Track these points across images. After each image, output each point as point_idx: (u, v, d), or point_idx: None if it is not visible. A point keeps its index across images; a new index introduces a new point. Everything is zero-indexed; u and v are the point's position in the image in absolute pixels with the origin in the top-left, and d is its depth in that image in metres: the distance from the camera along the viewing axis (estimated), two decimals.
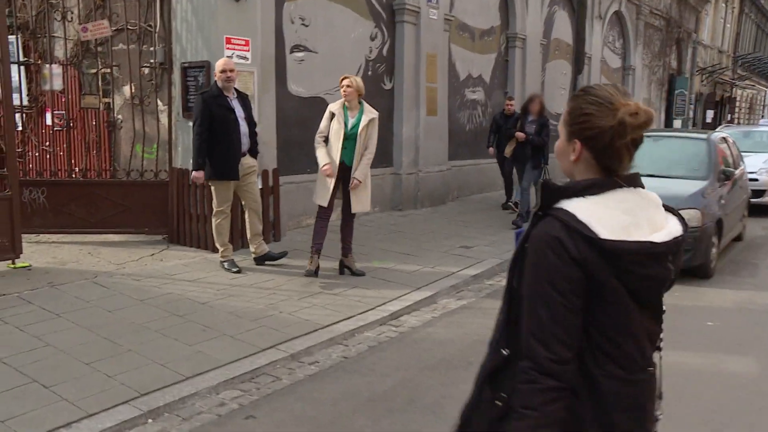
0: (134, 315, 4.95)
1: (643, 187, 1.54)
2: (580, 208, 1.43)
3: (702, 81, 26.34)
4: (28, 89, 8.14)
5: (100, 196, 7.25)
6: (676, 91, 23.09)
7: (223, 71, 5.98)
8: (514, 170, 9.65)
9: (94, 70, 7.58)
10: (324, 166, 5.92)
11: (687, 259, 6.52)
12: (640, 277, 1.44)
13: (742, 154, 9.34)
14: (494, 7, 12.29)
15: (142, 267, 6.28)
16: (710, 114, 27.93)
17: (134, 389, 3.75)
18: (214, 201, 6.25)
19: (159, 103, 7.32)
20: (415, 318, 5.40)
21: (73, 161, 7.78)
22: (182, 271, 6.20)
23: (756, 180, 11.00)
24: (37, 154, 8.51)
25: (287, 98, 7.83)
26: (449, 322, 5.33)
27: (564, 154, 1.56)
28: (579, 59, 14.20)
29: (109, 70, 7.68)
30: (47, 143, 8.05)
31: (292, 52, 7.93)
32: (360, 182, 5.94)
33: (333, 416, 3.68)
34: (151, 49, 7.29)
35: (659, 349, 1.63)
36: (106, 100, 7.81)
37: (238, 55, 6.91)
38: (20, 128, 7.69)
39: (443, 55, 10.50)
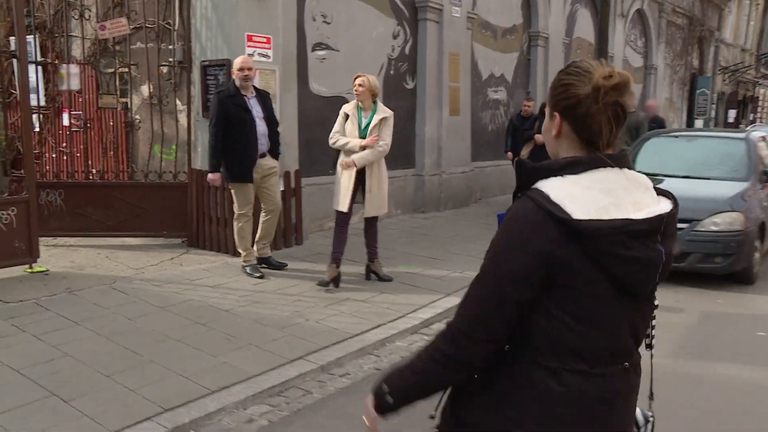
0: (155, 323, 4.74)
1: (630, 168, 1.42)
2: (554, 187, 1.34)
3: (724, 80, 25.87)
4: (45, 89, 7.99)
5: (117, 198, 7.06)
6: (698, 91, 22.68)
7: (240, 69, 5.77)
8: None
9: (111, 70, 7.40)
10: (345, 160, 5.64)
11: (728, 264, 6.25)
12: (625, 259, 1.31)
13: None
14: (516, 5, 12.03)
15: (162, 272, 6.08)
16: (732, 113, 27.44)
17: (157, 404, 3.54)
18: (235, 204, 6.04)
19: (178, 102, 7.13)
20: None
21: (90, 162, 7.61)
22: (203, 276, 5.99)
23: None
24: (54, 155, 8.35)
25: (309, 97, 7.61)
26: None
27: (548, 131, 1.49)
28: (602, 58, 13.95)
29: (126, 70, 7.51)
30: (64, 144, 7.89)
31: (313, 50, 7.71)
32: (353, 162, 5.54)
33: None
34: (170, 47, 7.10)
35: (651, 347, 1.55)
36: (124, 99, 7.64)
37: (259, 53, 6.70)
38: (37, 129, 7.52)
39: (466, 54, 10.25)
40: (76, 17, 6.97)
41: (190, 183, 6.97)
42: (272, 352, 4.31)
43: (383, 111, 5.64)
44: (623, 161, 1.41)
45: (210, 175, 5.93)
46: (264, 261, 6.27)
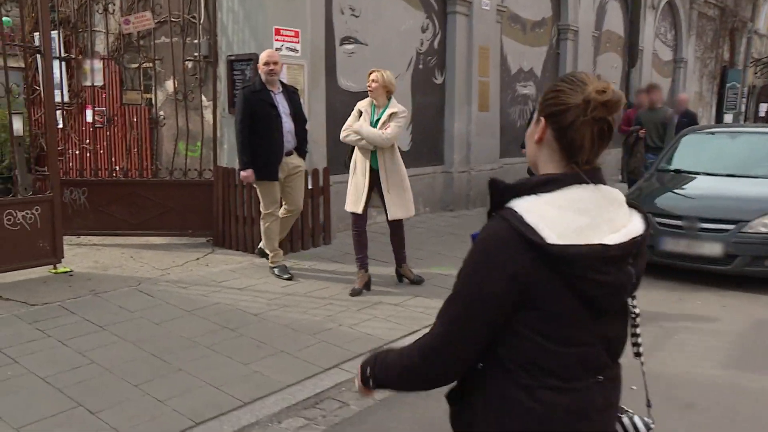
0: (182, 328, 4.56)
1: (604, 183, 1.39)
2: (529, 209, 1.31)
3: (756, 73, 25.21)
4: (69, 85, 7.86)
5: (141, 196, 6.92)
6: (728, 84, 22.09)
7: (266, 63, 5.57)
8: None
9: (135, 65, 7.24)
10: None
11: None
12: (597, 284, 1.31)
13: None
14: None
15: (188, 273, 5.91)
16: (764, 107, 26.75)
17: (188, 417, 3.35)
18: (261, 203, 5.85)
19: (203, 98, 6.95)
20: None
21: (113, 160, 7.48)
22: (230, 277, 5.81)
23: None
24: (77, 152, 8.22)
25: (337, 93, 7.40)
26: None
27: (530, 136, 1.45)
28: (633, 52, 13.61)
29: (150, 65, 7.35)
30: (87, 141, 7.76)
31: (341, 44, 7.49)
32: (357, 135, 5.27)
33: None
34: (195, 41, 6.92)
35: (639, 355, 1.56)
36: (148, 95, 7.48)
37: (287, 47, 6.50)
38: (60, 126, 7.40)
39: (495, 48, 9.97)
40: (100, 11, 6.81)
41: (216, 181, 6.79)
42: (305, 360, 4.11)
43: (394, 106, 5.34)
44: (598, 176, 1.38)
45: (242, 173, 5.73)
46: (265, 255, 6.11)
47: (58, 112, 7.04)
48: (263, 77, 5.62)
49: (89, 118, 8.04)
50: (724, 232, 5.97)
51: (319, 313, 4.95)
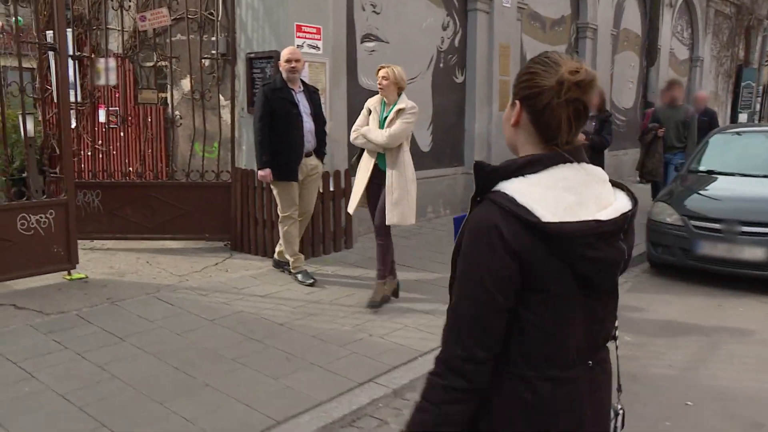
0: (206, 339, 4.33)
1: (587, 162, 1.39)
2: (519, 189, 1.30)
3: None
4: (81, 85, 7.65)
5: (157, 199, 6.69)
6: (743, 83, 21.77)
7: (287, 61, 5.35)
8: None
9: (150, 63, 7.02)
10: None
11: None
12: (591, 260, 1.31)
13: None
14: None
15: (207, 279, 5.69)
16: None
17: None
18: (279, 206, 5.64)
19: (221, 97, 6.72)
20: None
21: (127, 161, 7.27)
22: (251, 284, 5.58)
23: None
24: (89, 153, 8.00)
25: (358, 92, 7.16)
26: None
27: (506, 120, 1.44)
28: (651, 50, 13.34)
29: (165, 63, 7.13)
30: (100, 142, 7.55)
31: (362, 41, 7.26)
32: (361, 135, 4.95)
33: None
34: (213, 39, 6.70)
35: (615, 338, 1.53)
36: (163, 95, 7.27)
37: (309, 44, 6.27)
38: (73, 126, 7.19)
39: (515, 46, 9.73)
40: (116, 8, 6.58)
41: (234, 183, 6.57)
42: (338, 374, 3.88)
43: (403, 102, 4.95)
44: (580, 155, 1.38)
45: (260, 172, 5.52)
46: (279, 265, 5.88)
47: (71, 112, 6.82)
48: (285, 75, 5.41)
49: (102, 118, 7.84)
50: (766, 236, 5.71)
51: (347, 323, 4.71)
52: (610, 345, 1.52)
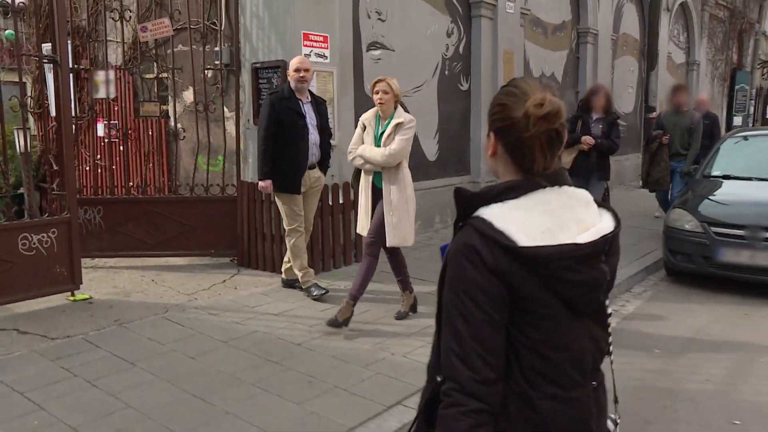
0: (221, 362, 4.13)
1: (569, 185, 1.41)
2: (497, 214, 1.32)
3: (763, 75, 24.96)
4: (78, 98, 7.46)
5: (160, 214, 6.49)
6: (737, 87, 21.82)
7: (297, 70, 5.20)
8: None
9: (151, 75, 6.84)
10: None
11: None
12: (572, 283, 1.32)
13: None
14: (566, 0, 11.37)
15: (216, 297, 5.49)
16: None
17: None
18: (284, 219, 5.48)
19: (225, 109, 6.54)
20: None
21: (127, 176, 7.07)
22: (263, 302, 5.39)
23: None
24: (87, 168, 7.80)
25: (365, 101, 6.97)
26: None
27: (485, 149, 1.47)
28: (651, 54, 13.21)
29: (166, 75, 6.95)
30: (99, 156, 7.34)
31: (368, 50, 7.10)
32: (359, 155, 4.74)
33: None
34: (216, 49, 6.52)
35: (609, 353, 1.54)
36: (164, 107, 7.08)
37: (316, 53, 6.11)
38: None
39: (519, 53, 9.61)
40: (116, 18, 6.39)
41: (240, 197, 6.38)
42: (363, 397, 3.69)
43: (400, 116, 4.68)
44: (561, 178, 1.39)
45: (261, 183, 5.37)
46: (289, 284, 5.69)
47: None
48: (293, 84, 5.25)
49: (101, 131, 7.64)
50: None
51: (367, 341, 4.53)
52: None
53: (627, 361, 4.39)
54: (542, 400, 1.34)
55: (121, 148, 7.38)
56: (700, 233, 5.96)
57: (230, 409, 3.50)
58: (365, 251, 4.88)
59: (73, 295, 5.36)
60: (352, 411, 3.52)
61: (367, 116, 4.85)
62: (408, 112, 4.80)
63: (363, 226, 4.89)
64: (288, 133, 5.23)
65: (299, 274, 5.54)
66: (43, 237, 5.14)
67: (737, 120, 21.91)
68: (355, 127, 6.52)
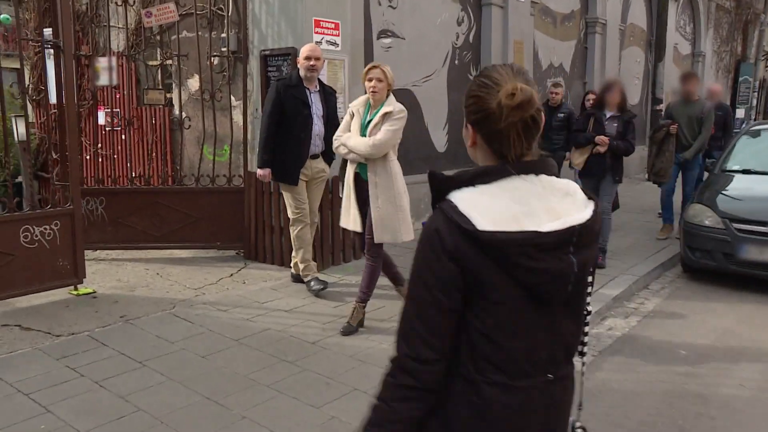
0: (234, 362, 3.97)
1: (551, 174, 1.39)
2: (464, 198, 1.33)
3: (766, 67, 24.78)
4: (79, 85, 7.23)
5: (164, 206, 6.31)
6: (741, 78, 21.66)
7: (307, 58, 5.02)
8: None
9: (155, 62, 6.63)
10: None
11: None
12: (533, 271, 1.30)
13: None
14: None
15: (224, 292, 5.31)
16: None
17: None
18: (288, 208, 5.33)
19: (232, 98, 6.34)
20: None
21: (129, 165, 6.87)
22: (272, 297, 5.22)
23: None
24: (87, 157, 7.58)
25: None
26: (618, 363, 4.27)
27: (465, 140, 1.48)
28: (659, 46, 13.07)
29: (171, 62, 6.75)
30: (99, 145, 7.13)
31: (379, 37, 6.90)
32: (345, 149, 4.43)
33: None
34: (222, 35, 6.31)
35: (582, 354, 1.57)
36: (169, 95, 6.87)
37: (327, 41, 5.91)
38: None
39: (528, 43, 9.42)
40: (119, 3, 6.18)
41: (247, 188, 6.19)
42: None
43: (390, 104, 4.34)
44: (540, 167, 1.39)
45: (259, 171, 5.25)
46: (299, 279, 5.53)
47: None
48: (302, 72, 5.07)
49: (101, 120, 7.43)
50: None
51: (384, 339, 4.36)
52: (576, 362, 1.50)
53: (653, 362, 4.25)
54: (487, 385, 1.35)
55: (123, 136, 7.19)
56: (720, 229, 5.80)
57: (246, 413, 3.34)
58: (365, 251, 4.61)
59: (76, 289, 5.18)
60: None
61: (357, 103, 4.54)
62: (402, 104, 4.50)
63: (345, 220, 4.61)
64: (291, 122, 5.08)
65: (300, 267, 5.39)
66: (45, 229, 4.96)
67: (739, 112, 21.74)
68: None
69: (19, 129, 7.85)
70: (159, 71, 6.73)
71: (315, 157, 5.30)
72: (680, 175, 7.80)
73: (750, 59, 22.36)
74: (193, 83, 6.67)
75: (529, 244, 1.29)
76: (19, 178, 8.17)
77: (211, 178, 6.31)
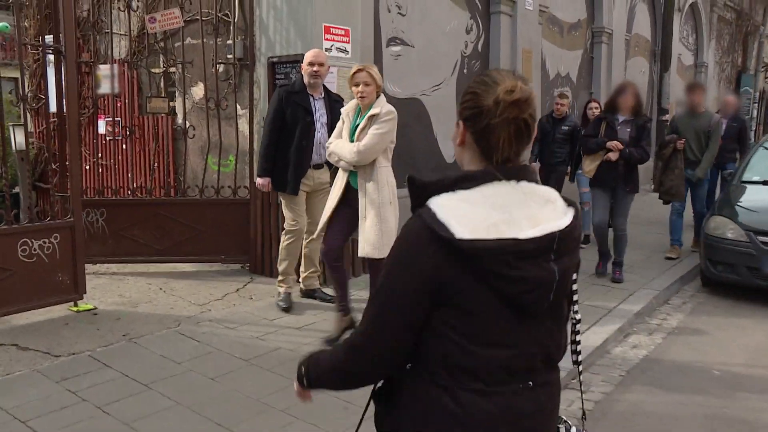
0: (245, 384, 3.75)
1: (532, 181, 1.37)
2: (443, 205, 1.30)
3: (766, 78, 24.78)
4: (79, 93, 7.02)
5: (167, 218, 6.09)
6: (741, 89, 21.62)
7: (310, 64, 4.84)
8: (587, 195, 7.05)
9: (157, 70, 6.43)
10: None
11: None
12: (512, 279, 1.28)
13: None
14: None
15: (231, 308, 5.09)
16: None
17: None
18: (285, 217, 5.16)
19: (237, 106, 6.15)
20: (599, 378, 4.14)
21: (129, 176, 6.66)
22: (282, 313, 5.00)
23: None
24: (87, 167, 7.36)
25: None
26: (649, 384, 4.06)
27: (454, 138, 1.46)
28: (665, 56, 12.91)
29: (174, 70, 6.56)
30: (99, 155, 6.92)
31: (388, 45, 6.73)
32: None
33: None
34: (228, 42, 6.12)
35: (578, 363, 1.58)
36: (172, 103, 6.67)
37: (337, 48, 5.73)
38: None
39: (537, 52, 9.27)
40: (122, 8, 5.99)
41: (253, 199, 5.98)
42: None
43: (377, 106, 4.06)
44: (521, 174, 1.36)
45: (259, 180, 5.11)
46: (309, 294, 5.31)
47: None
48: (306, 79, 4.91)
49: (102, 129, 7.23)
50: None
51: None
52: (562, 370, 1.51)
53: (686, 383, 4.04)
54: (464, 392, 1.33)
55: (124, 146, 6.98)
56: (744, 242, 5.62)
57: None
58: (331, 264, 4.38)
59: (76, 305, 4.95)
60: None
61: (347, 108, 4.30)
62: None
63: (318, 226, 4.42)
64: (292, 129, 4.91)
65: (279, 277, 5.23)
66: (44, 242, 4.74)
67: None
68: None
69: (17, 138, 7.66)
70: (162, 79, 6.53)
71: (318, 167, 5.11)
72: (688, 192, 7.23)
73: (750, 70, 22.35)
74: (198, 91, 6.47)
75: (509, 252, 1.27)
76: (16, 189, 7.96)
77: (216, 189, 6.10)
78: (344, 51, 5.81)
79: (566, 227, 1.35)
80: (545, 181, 7.59)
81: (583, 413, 1.65)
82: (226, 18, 6.13)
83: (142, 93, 7.03)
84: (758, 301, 5.68)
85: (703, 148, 7.10)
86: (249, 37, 5.97)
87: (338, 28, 5.74)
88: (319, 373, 1.53)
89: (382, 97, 4.18)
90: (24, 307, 4.64)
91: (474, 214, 1.29)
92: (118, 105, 7.06)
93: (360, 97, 4.07)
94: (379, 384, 1.51)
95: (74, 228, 4.89)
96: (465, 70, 8.03)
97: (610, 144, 5.82)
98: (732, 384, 4.03)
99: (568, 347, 1.53)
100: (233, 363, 4.04)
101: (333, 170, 5.06)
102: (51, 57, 5.07)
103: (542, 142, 7.57)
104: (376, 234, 4.09)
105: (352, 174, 4.21)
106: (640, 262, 6.86)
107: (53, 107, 5.45)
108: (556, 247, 1.33)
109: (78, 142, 5.13)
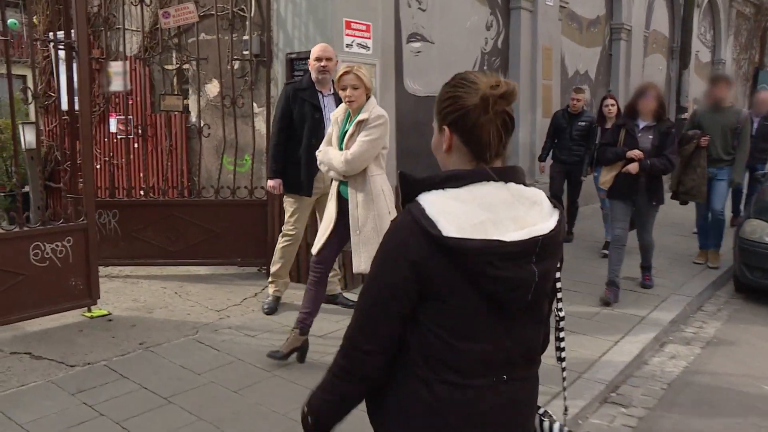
0: (270, 397, 3.56)
1: (521, 183, 1.41)
2: (433, 202, 1.34)
3: None
4: (89, 91, 6.85)
5: (182, 219, 5.91)
6: (758, 87, 21.30)
7: (317, 59, 4.60)
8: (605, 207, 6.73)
9: (171, 66, 6.25)
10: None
11: None
12: (494, 279, 1.32)
13: None
14: None
15: (250, 314, 4.91)
16: None
17: None
18: (286, 219, 5.00)
19: (254, 104, 5.96)
20: (640, 391, 3.93)
21: (142, 176, 6.48)
22: None
23: None
24: (98, 166, 7.18)
25: (404, 98, 6.43)
26: (694, 400, 3.84)
27: (438, 147, 1.47)
28: (684, 52, 12.65)
29: (188, 66, 6.37)
30: (110, 154, 6.75)
31: (408, 41, 6.53)
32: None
33: None
34: (244, 38, 5.93)
35: (561, 359, 1.59)
36: (186, 101, 6.49)
37: (358, 44, 5.54)
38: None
39: (557, 48, 9.07)
40: (135, 3, 5.80)
41: (270, 200, 5.79)
42: None
43: (365, 111, 3.74)
44: (510, 175, 1.39)
45: (269, 182, 4.93)
46: (330, 300, 5.11)
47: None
48: (313, 75, 4.68)
49: (113, 127, 7.06)
50: None
51: None
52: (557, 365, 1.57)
53: (736, 401, 3.82)
54: (440, 384, 1.36)
55: (136, 145, 6.81)
56: None
57: None
58: (313, 271, 4.04)
59: (89, 310, 4.78)
60: None
61: (337, 113, 3.99)
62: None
63: (316, 242, 4.02)
64: (302, 128, 4.71)
65: (270, 278, 5.08)
66: (57, 246, 4.56)
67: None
68: (396, 125, 5.98)
69: (27, 137, 7.50)
70: (175, 76, 6.35)
71: None
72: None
73: (767, 67, 22.03)
74: (212, 89, 6.28)
75: (493, 252, 1.30)
76: (26, 188, 7.80)
77: (232, 189, 5.92)
78: (365, 47, 5.61)
79: (550, 231, 1.37)
80: (558, 180, 7.36)
81: (565, 408, 1.69)
82: (241, 13, 5.94)
83: (154, 90, 6.84)
84: None
85: (728, 146, 6.54)
86: (266, 33, 5.78)
87: (359, 23, 5.54)
88: (321, 401, 1.51)
89: (372, 100, 3.83)
90: (36, 312, 4.47)
91: (462, 212, 1.31)
92: (130, 103, 6.88)
93: (348, 101, 3.74)
94: None
95: (88, 231, 4.71)
96: (485, 67, 7.82)
97: (630, 153, 5.24)
98: None
99: (552, 345, 1.57)
100: (256, 374, 3.85)
101: None
102: (62, 53, 4.90)
103: (557, 138, 7.31)
104: (374, 249, 3.83)
105: (342, 184, 3.89)
106: (666, 266, 6.63)
107: (65, 105, 5.28)
108: (538, 250, 1.35)
109: (90, 141, 4.95)
